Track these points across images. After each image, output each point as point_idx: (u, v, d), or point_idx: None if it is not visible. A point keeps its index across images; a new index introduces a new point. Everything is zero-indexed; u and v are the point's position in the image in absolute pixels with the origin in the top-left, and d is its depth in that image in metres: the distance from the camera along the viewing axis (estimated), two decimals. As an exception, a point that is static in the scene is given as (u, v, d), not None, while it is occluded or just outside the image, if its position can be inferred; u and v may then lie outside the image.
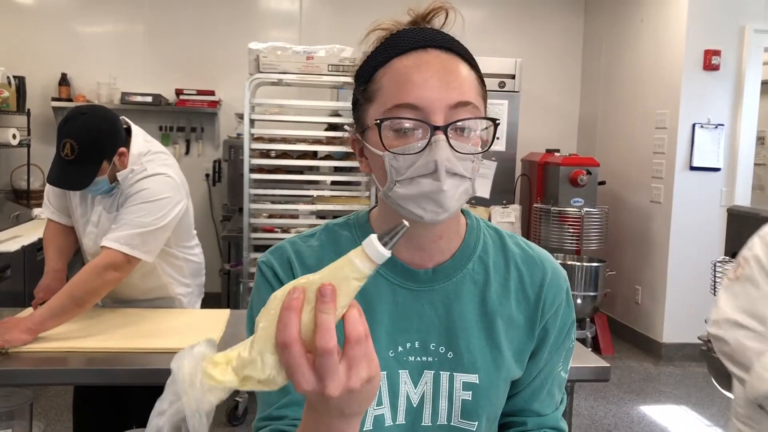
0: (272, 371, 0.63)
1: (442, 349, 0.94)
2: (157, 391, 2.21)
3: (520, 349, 0.97)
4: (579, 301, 4.82)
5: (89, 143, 1.95)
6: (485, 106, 0.91)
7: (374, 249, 0.63)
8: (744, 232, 3.07)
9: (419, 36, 0.89)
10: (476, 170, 0.89)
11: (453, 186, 0.86)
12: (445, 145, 0.84)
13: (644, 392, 4.27)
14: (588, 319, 4.96)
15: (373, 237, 0.64)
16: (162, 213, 2.03)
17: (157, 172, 2.06)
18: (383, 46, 0.90)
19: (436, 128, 0.84)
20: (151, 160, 2.09)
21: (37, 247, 3.70)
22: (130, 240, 1.99)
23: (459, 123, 0.85)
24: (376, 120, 0.86)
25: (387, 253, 0.63)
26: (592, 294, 4.85)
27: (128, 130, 2.12)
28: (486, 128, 0.89)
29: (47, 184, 2.14)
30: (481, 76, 0.92)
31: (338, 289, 0.63)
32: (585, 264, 4.87)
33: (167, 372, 1.99)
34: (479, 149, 0.88)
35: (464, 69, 0.89)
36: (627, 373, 4.58)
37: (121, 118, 2.12)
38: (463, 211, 1.00)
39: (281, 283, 0.93)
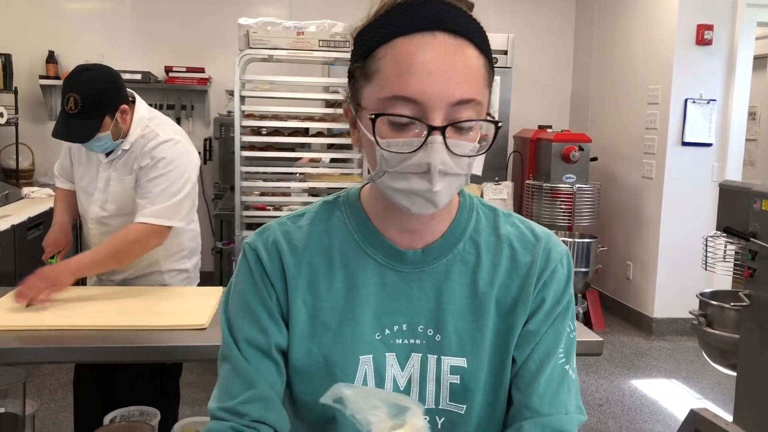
0: None
1: (430, 332, 0.91)
2: (151, 368, 2.21)
3: (512, 329, 0.92)
4: (571, 277, 4.83)
5: (92, 97, 2.01)
6: (490, 94, 0.86)
7: None
8: (736, 207, 3.08)
9: (428, 14, 0.80)
10: (473, 164, 0.85)
11: (445, 185, 0.83)
12: (441, 148, 0.80)
13: (635, 366, 4.31)
14: (580, 295, 4.98)
15: None
16: (185, 178, 2.12)
17: (170, 138, 2.13)
18: (388, 16, 0.83)
19: (433, 128, 0.79)
20: (160, 124, 2.16)
21: (27, 226, 3.68)
22: (165, 212, 2.08)
23: (458, 122, 0.81)
24: (371, 115, 0.82)
25: None
26: (583, 270, 4.86)
27: (133, 98, 2.19)
28: (488, 122, 0.84)
29: (57, 162, 2.33)
30: (490, 59, 0.85)
31: None
32: (577, 240, 4.88)
33: (163, 349, 1.98)
34: (477, 146, 0.83)
35: (473, 57, 0.82)
36: (618, 348, 4.62)
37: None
38: None
39: (264, 271, 0.92)
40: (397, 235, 0.93)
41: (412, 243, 0.93)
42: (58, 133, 2.05)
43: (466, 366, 0.91)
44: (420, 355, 0.91)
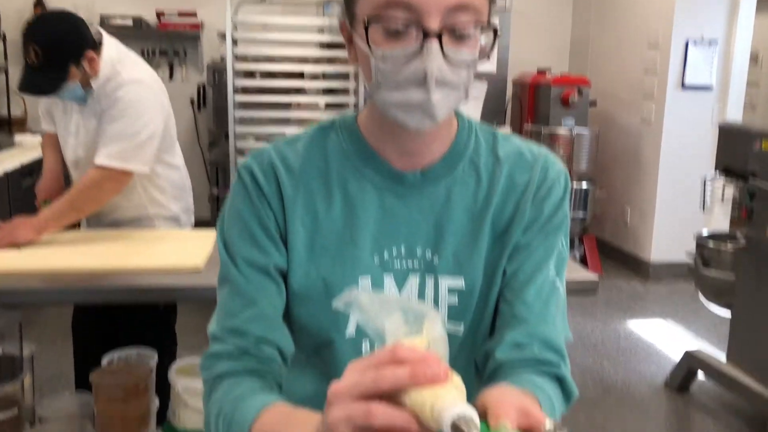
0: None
1: (428, 254, 0.90)
2: (146, 311, 2.21)
3: (506, 245, 0.91)
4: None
5: (52, 47, 1.92)
6: (490, 8, 0.83)
7: None
8: (735, 148, 3.06)
9: None
10: (471, 77, 0.82)
11: (443, 96, 0.80)
12: (437, 53, 0.77)
13: (631, 309, 4.34)
14: (577, 241, 4.99)
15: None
16: (144, 120, 2.02)
17: (131, 79, 2.03)
18: None
19: (428, 34, 0.77)
20: (126, 65, 2.06)
21: (21, 173, 3.65)
22: (121, 154, 1.99)
23: (455, 28, 0.78)
24: (364, 18, 0.79)
25: None
26: (581, 215, 4.86)
27: (100, 40, 2.07)
28: (486, 32, 0.81)
29: (41, 104, 2.24)
30: None
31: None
32: (575, 185, 4.86)
33: (158, 290, 1.97)
34: (476, 55, 0.81)
35: None
36: (615, 292, 4.65)
37: (93, 25, 2.06)
38: (455, 112, 0.94)
39: (261, 191, 0.90)
40: (396, 157, 0.90)
41: (411, 165, 0.91)
42: (22, 87, 1.96)
43: (463, 287, 0.90)
44: (418, 277, 0.90)
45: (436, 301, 0.91)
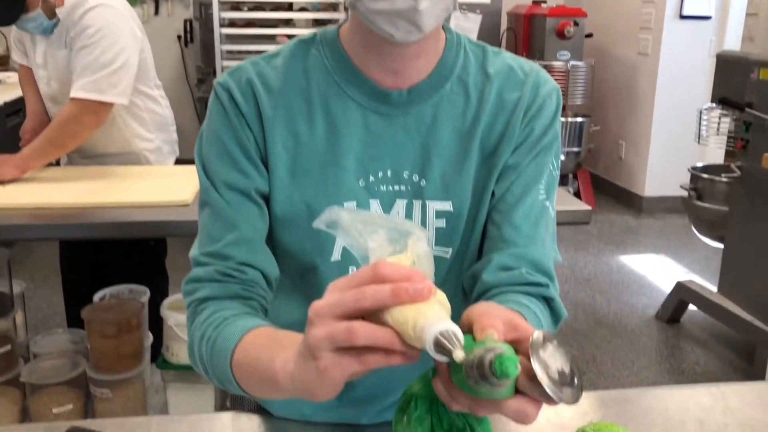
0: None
1: (415, 177, 0.87)
2: (136, 247, 2.18)
3: (495, 166, 0.88)
4: (562, 157, 4.78)
5: None
6: None
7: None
8: (732, 78, 3.00)
9: None
10: None
11: (431, 4, 0.76)
12: None
13: (624, 243, 4.36)
14: (571, 176, 4.97)
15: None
16: (118, 47, 1.95)
17: (98, 3, 1.95)
18: None
19: None
20: None
21: (6, 113, 3.57)
22: (97, 85, 1.93)
23: None
24: None
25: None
26: (575, 150, 4.83)
27: None
28: None
29: (12, 33, 2.12)
30: None
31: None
32: (569, 119, 4.81)
33: (147, 225, 1.94)
34: None
35: None
36: (608, 227, 4.65)
37: None
38: (443, 26, 0.90)
39: (239, 110, 0.86)
40: (381, 75, 0.86)
41: (396, 83, 0.86)
42: None
43: (451, 209, 0.88)
44: (405, 201, 0.88)
45: (423, 225, 0.88)
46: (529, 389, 0.56)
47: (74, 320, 2.19)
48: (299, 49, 0.89)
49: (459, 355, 0.53)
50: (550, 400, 0.55)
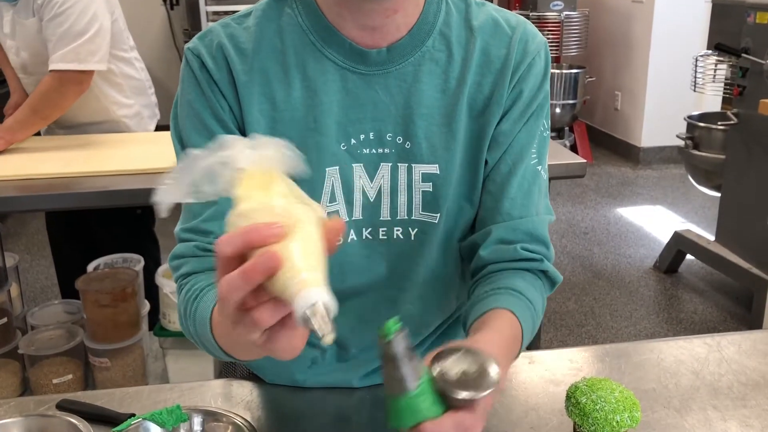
0: None
1: (399, 140, 0.84)
2: (124, 216, 2.14)
3: (485, 130, 0.86)
4: (558, 110, 4.75)
5: None
6: None
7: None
8: (728, 23, 2.95)
9: None
10: None
11: None
12: None
13: (621, 195, 4.34)
14: (566, 128, 4.93)
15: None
16: (90, 13, 1.91)
17: None
18: None
19: None
20: None
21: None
22: (75, 55, 1.90)
23: None
24: None
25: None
26: (571, 102, 4.77)
27: None
28: None
29: None
30: None
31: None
32: (564, 71, 4.75)
33: (132, 192, 1.91)
34: None
35: None
36: (604, 179, 4.63)
37: None
38: None
39: (210, 77, 0.82)
40: (358, 33, 0.82)
41: (374, 42, 0.83)
42: None
43: (438, 172, 0.85)
44: (389, 164, 0.85)
45: (409, 189, 0.86)
46: (447, 399, 0.60)
47: (68, 291, 2.18)
48: (272, 8, 0.85)
49: (328, 339, 0.50)
50: (460, 401, 0.59)
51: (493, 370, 0.61)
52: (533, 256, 0.87)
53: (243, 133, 0.84)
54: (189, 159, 0.56)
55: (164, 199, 0.55)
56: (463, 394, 0.58)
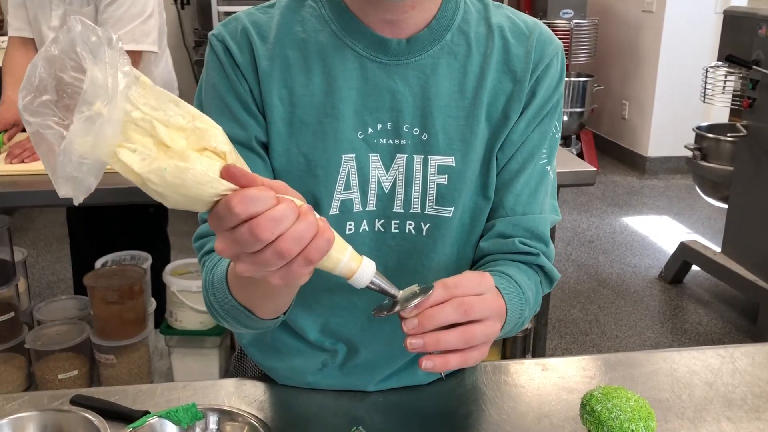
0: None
1: (416, 131, 0.85)
2: (137, 214, 2.14)
3: (502, 128, 0.87)
4: (565, 118, 4.75)
5: None
6: None
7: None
8: (739, 35, 2.95)
9: None
10: None
11: None
12: None
13: (627, 204, 4.34)
14: (574, 136, 4.92)
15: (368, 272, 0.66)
16: None
17: None
18: None
19: None
20: None
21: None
22: (132, 36, 1.91)
23: None
24: None
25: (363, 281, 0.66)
26: (578, 110, 4.77)
27: None
28: None
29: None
30: None
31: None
32: (573, 79, 4.75)
33: (141, 191, 1.90)
34: None
35: None
36: (611, 188, 4.63)
37: None
38: None
39: (234, 62, 0.84)
40: (379, 25, 0.84)
41: (394, 34, 0.85)
42: None
43: (454, 165, 0.86)
44: (405, 156, 0.86)
45: (424, 181, 0.86)
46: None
47: (81, 287, 2.18)
48: (295, 1, 0.87)
49: (395, 292, 0.68)
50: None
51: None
52: (530, 250, 0.88)
53: (263, 116, 0.85)
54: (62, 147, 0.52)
55: (65, 194, 0.54)
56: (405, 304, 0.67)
